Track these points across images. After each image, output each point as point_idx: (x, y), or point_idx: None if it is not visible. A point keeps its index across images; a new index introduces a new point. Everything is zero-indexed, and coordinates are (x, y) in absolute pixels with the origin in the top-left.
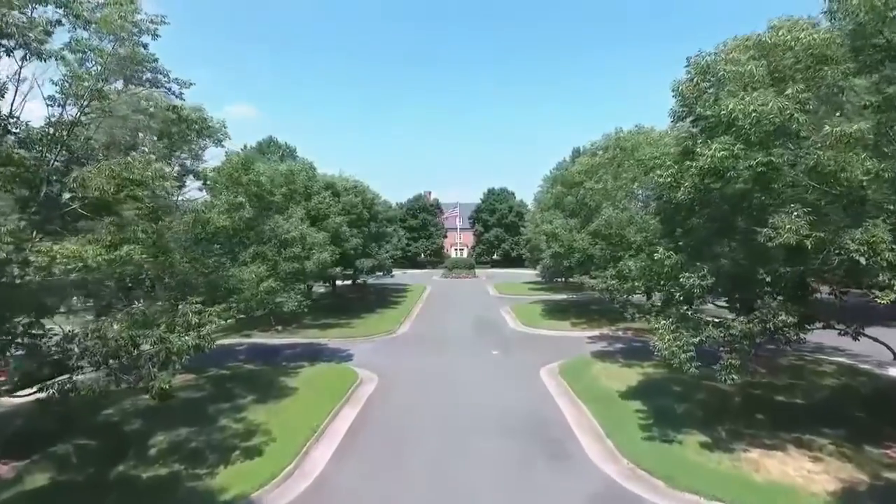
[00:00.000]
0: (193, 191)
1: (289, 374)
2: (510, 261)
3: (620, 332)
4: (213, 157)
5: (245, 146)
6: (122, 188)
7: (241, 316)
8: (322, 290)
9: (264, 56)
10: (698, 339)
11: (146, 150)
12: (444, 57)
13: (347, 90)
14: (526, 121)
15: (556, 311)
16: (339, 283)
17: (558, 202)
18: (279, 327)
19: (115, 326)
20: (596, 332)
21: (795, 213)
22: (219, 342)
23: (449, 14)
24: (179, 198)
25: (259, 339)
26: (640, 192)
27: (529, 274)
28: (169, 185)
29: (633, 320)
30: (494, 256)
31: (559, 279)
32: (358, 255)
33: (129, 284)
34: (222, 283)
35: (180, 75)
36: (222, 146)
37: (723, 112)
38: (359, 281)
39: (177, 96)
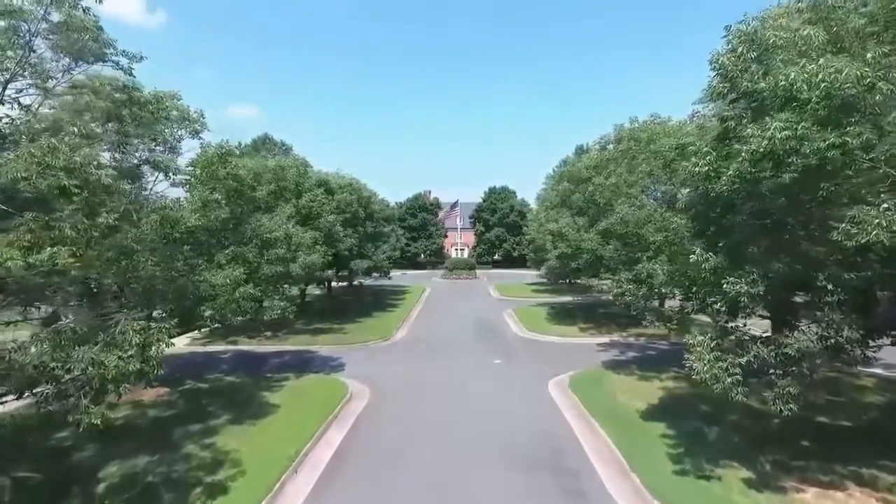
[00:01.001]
0: (170, 188)
1: (272, 387)
2: (511, 261)
3: (632, 339)
4: (192, 150)
5: (240, 143)
6: (46, 177)
7: (217, 325)
8: (318, 291)
9: (265, 57)
10: (745, 359)
11: (76, 130)
12: (444, 56)
13: (348, 89)
14: (527, 120)
15: (561, 316)
16: (334, 284)
17: (564, 200)
18: (268, 333)
19: (33, 349)
20: (606, 339)
21: (885, 206)
22: (202, 349)
23: (449, 12)
24: (152, 193)
25: (245, 346)
26: (656, 187)
27: (532, 275)
28: (104, 174)
29: (652, 326)
30: (496, 257)
31: (563, 281)
32: (353, 255)
33: (94, 290)
34: (192, 290)
35: (185, 75)
36: (200, 138)
37: (780, 84)
38: (355, 283)
39: (126, 72)
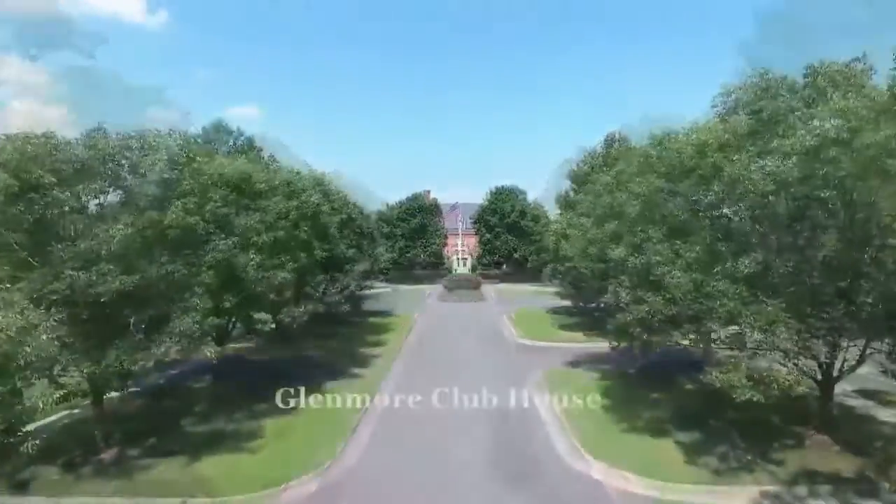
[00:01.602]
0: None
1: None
2: (515, 263)
3: None
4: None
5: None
6: None
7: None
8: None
9: (264, 57)
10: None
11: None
12: (444, 55)
13: (348, 89)
14: (529, 119)
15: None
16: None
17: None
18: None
19: None
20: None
21: None
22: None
23: (449, 11)
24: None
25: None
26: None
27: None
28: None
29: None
30: (497, 258)
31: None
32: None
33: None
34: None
35: (186, 75)
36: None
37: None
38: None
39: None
